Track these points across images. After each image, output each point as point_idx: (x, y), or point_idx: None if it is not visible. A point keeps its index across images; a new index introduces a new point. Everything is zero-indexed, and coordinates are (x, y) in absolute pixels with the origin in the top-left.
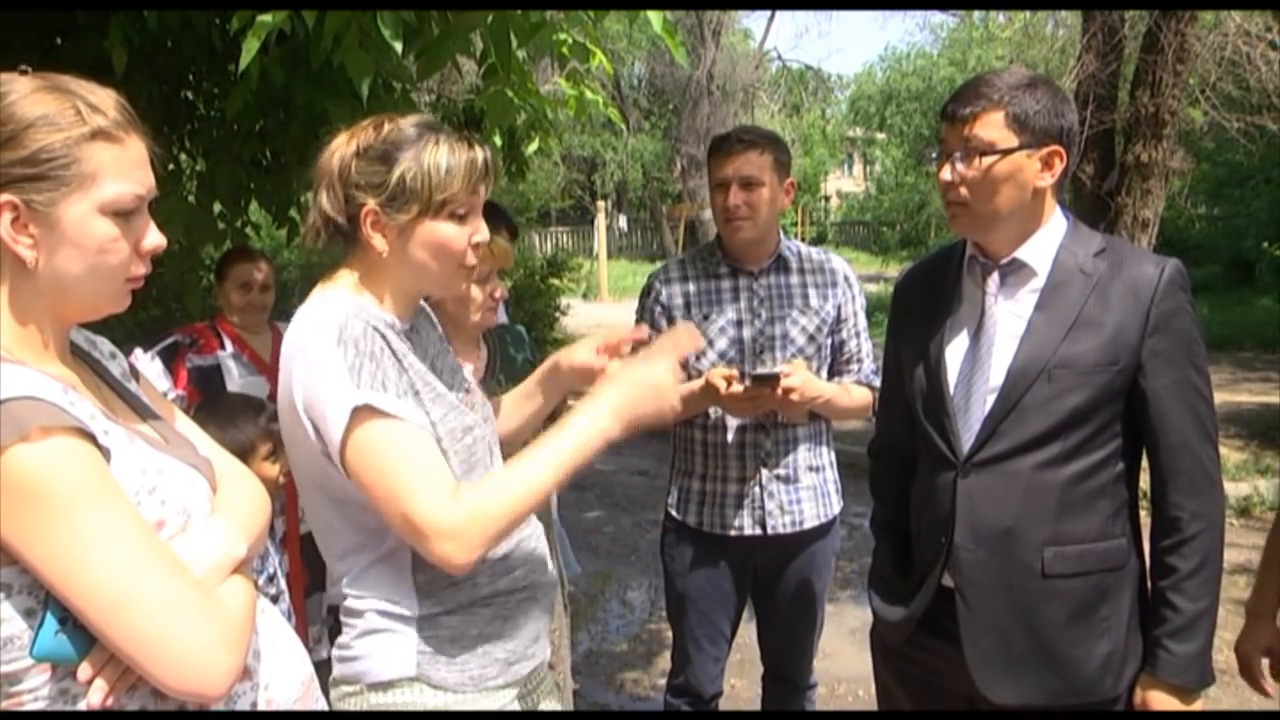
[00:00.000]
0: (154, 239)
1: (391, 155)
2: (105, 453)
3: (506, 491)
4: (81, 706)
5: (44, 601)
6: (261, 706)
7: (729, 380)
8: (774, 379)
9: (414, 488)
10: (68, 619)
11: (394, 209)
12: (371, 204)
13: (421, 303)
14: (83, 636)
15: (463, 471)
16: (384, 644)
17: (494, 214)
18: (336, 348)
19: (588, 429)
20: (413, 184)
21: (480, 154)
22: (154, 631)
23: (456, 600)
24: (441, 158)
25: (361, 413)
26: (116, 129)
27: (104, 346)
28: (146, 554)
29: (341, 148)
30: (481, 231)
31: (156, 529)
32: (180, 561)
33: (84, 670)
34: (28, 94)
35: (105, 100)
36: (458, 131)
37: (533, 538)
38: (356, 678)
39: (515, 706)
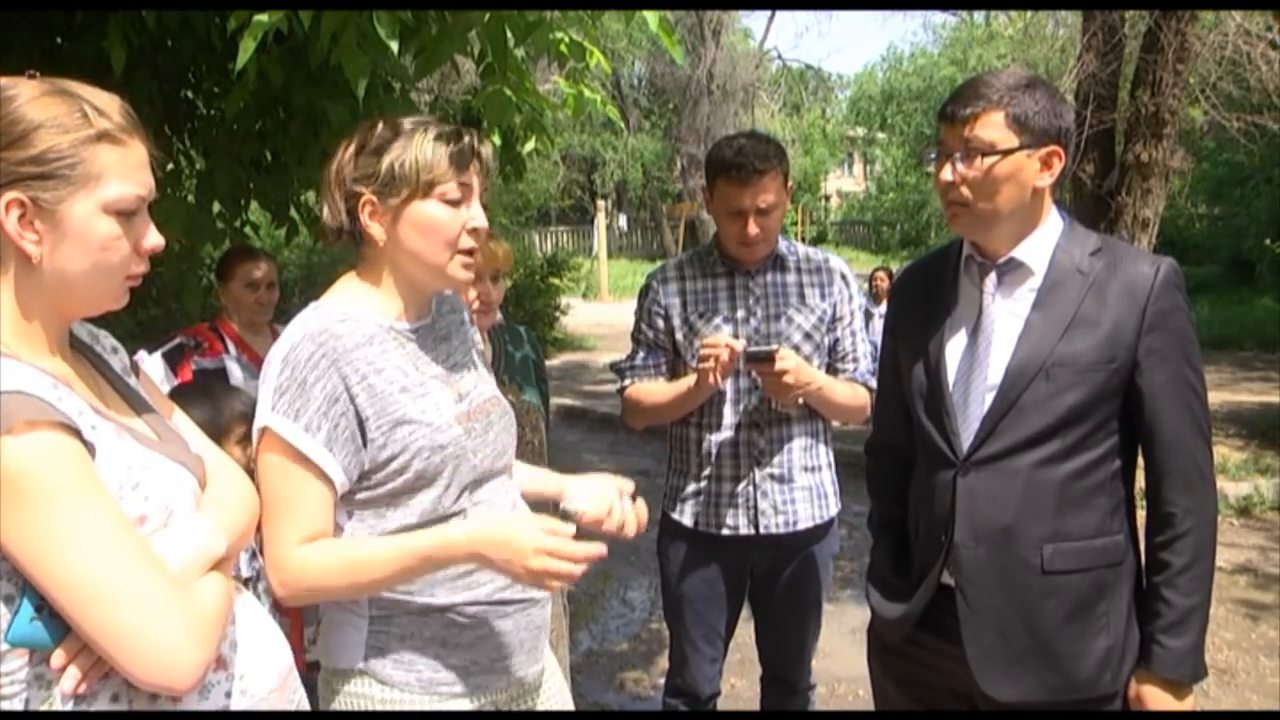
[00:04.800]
0: (153, 239)
1: (383, 149)
2: (90, 447)
3: (335, 569)
4: (55, 693)
5: (22, 588)
6: (236, 696)
7: (732, 351)
8: (769, 357)
9: (275, 519)
10: (44, 606)
11: (386, 195)
12: (367, 194)
13: (459, 299)
14: (58, 623)
15: (425, 484)
16: (339, 633)
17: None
18: (279, 364)
19: (443, 551)
20: (400, 169)
21: (467, 140)
22: (125, 625)
23: (407, 608)
24: (428, 144)
25: (267, 434)
26: (120, 132)
27: (106, 341)
28: (122, 548)
29: (340, 154)
30: (478, 218)
31: (138, 524)
32: (157, 557)
33: (57, 657)
34: (36, 97)
35: (110, 104)
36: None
37: None
38: (322, 661)
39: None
